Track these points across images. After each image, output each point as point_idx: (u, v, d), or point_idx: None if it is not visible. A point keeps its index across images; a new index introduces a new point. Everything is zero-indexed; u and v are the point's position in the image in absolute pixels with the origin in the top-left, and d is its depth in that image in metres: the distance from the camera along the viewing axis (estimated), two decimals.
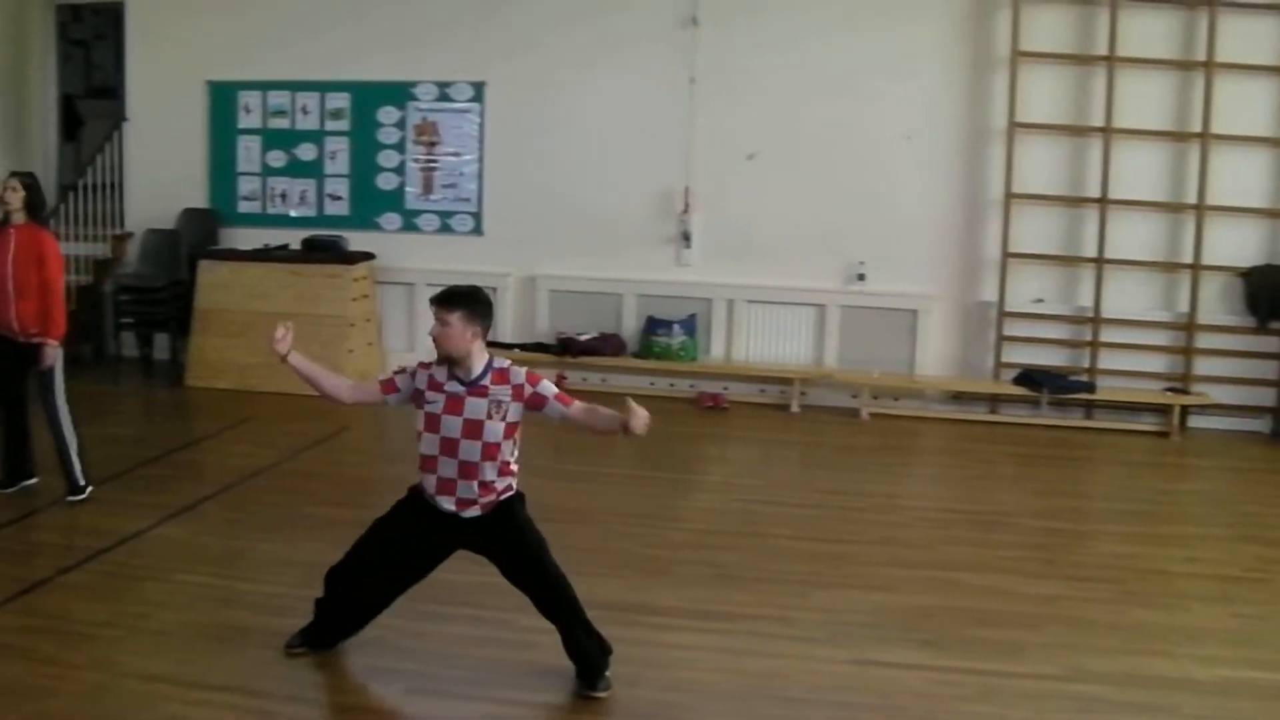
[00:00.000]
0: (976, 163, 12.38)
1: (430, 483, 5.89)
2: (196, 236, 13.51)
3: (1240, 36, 11.79)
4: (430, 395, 5.85)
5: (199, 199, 13.82)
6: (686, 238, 12.69)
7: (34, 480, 8.95)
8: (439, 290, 5.94)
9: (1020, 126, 12.09)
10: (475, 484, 5.84)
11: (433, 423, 5.82)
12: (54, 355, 8.57)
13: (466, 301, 5.83)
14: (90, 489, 8.76)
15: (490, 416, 5.82)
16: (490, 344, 12.54)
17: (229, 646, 6.29)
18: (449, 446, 5.80)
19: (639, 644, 6.38)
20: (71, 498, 8.66)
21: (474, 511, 5.91)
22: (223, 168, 13.78)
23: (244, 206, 13.76)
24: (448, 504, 5.88)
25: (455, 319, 5.76)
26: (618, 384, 12.62)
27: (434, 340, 5.83)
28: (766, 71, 12.54)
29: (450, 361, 5.85)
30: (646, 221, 12.81)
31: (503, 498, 5.96)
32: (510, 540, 6.00)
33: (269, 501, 8.94)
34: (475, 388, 5.84)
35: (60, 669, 5.93)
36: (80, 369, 13.23)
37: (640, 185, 12.74)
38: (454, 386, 5.84)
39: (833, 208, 12.46)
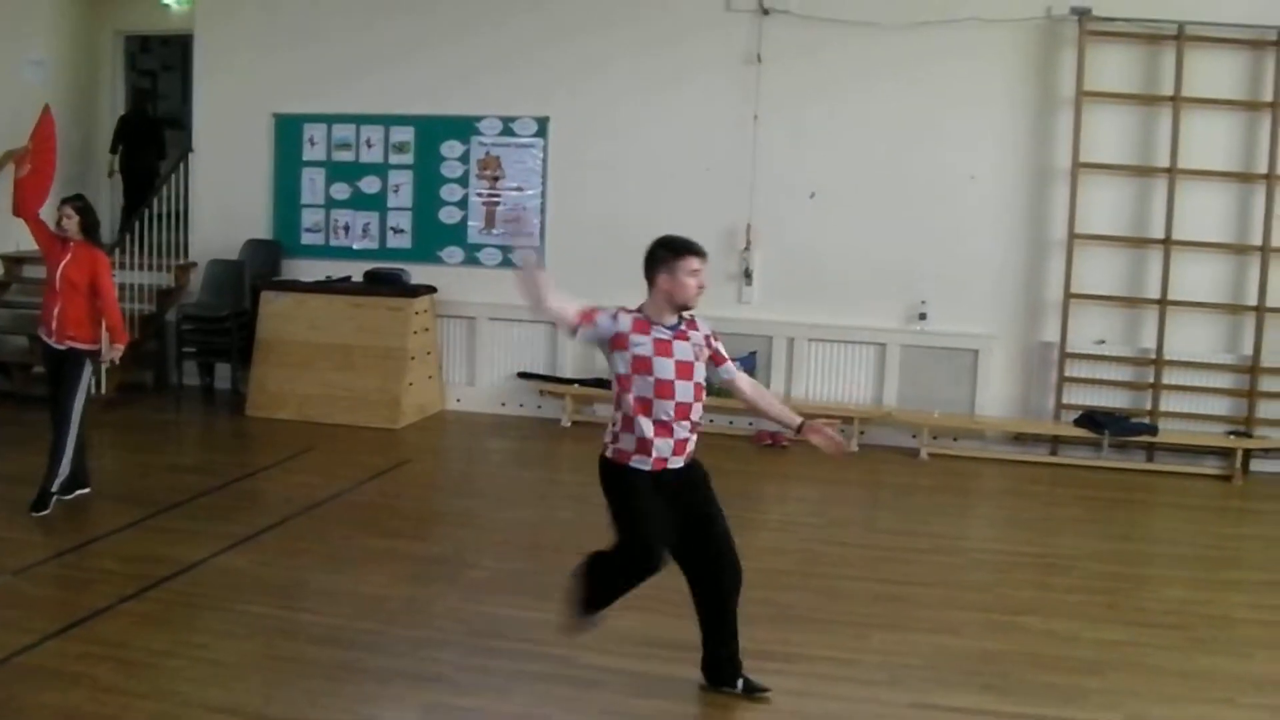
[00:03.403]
0: (1040, 203, 12.32)
1: (647, 428, 5.92)
2: (260, 267, 13.63)
3: None
4: (636, 338, 5.95)
5: (263, 230, 13.95)
6: (748, 275, 12.69)
7: (87, 490, 9.14)
8: (677, 240, 6.14)
9: (1084, 166, 12.02)
10: (687, 424, 5.99)
11: (643, 365, 5.92)
12: (117, 354, 9.30)
13: None
14: (54, 504, 8.98)
15: (697, 359, 6.04)
16: (549, 378, 12.69)
17: (289, 677, 6.33)
18: (664, 388, 5.91)
19: (701, 685, 6.39)
20: (36, 512, 8.87)
21: (679, 461, 6.02)
22: (287, 199, 13.90)
23: (307, 238, 13.86)
24: (664, 449, 5.95)
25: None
26: None
27: (695, 292, 6.00)
28: (829, 109, 12.55)
29: (681, 309, 6.06)
30: (709, 258, 12.70)
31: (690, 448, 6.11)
32: (703, 486, 6.20)
33: (330, 533, 8.97)
34: (678, 332, 6.05)
35: (121, 697, 5.97)
36: (142, 397, 13.43)
37: (702, 221, 12.56)
38: (661, 331, 6.00)
39: (894, 247, 12.42)
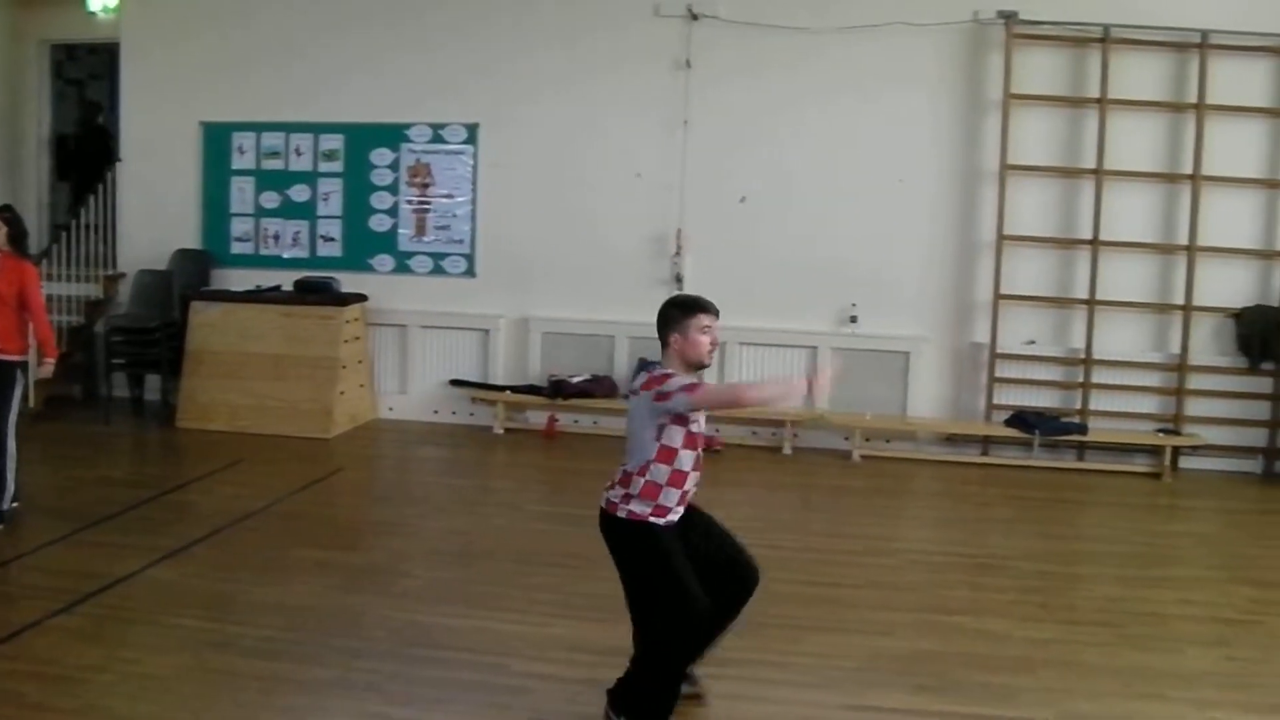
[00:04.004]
0: (969, 205, 12.42)
1: (675, 498, 5.86)
2: (189, 277, 13.50)
3: (1231, 78, 11.89)
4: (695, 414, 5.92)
5: (192, 240, 13.84)
6: (679, 280, 12.67)
7: (15, 504, 9.06)
8: (687, 298, 6.05)
9: (1012, 169, 12.13)
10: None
11: (692, 440, 5.89)
12: (48, 370, 9.22)
13: None
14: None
15: None
16: (482, 386, 12.67)
17: (220, 690, 6.26)
18: (697, 462, 5.93)
19: None
20: None
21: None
22: (216, 208, 13.79)
23: (237, 248, 13.76)
24: (679, 513, 5.91)
25: None
26: (609, 426, 12.61)
27: (708, 349, 5.92)
28: (759, 114, 12.59)
29: (697, 368, 5.94)
30: (639, 263, 12.82)
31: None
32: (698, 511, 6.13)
33: (261, 544, 8.88)
34: None
35: (50, 714, 5.90)
36: (71, 409, 13.28)
37: (633, 228, 12.76)
38: None
39: (825, 250, 12.48)
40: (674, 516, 5.86)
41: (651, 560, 5.82)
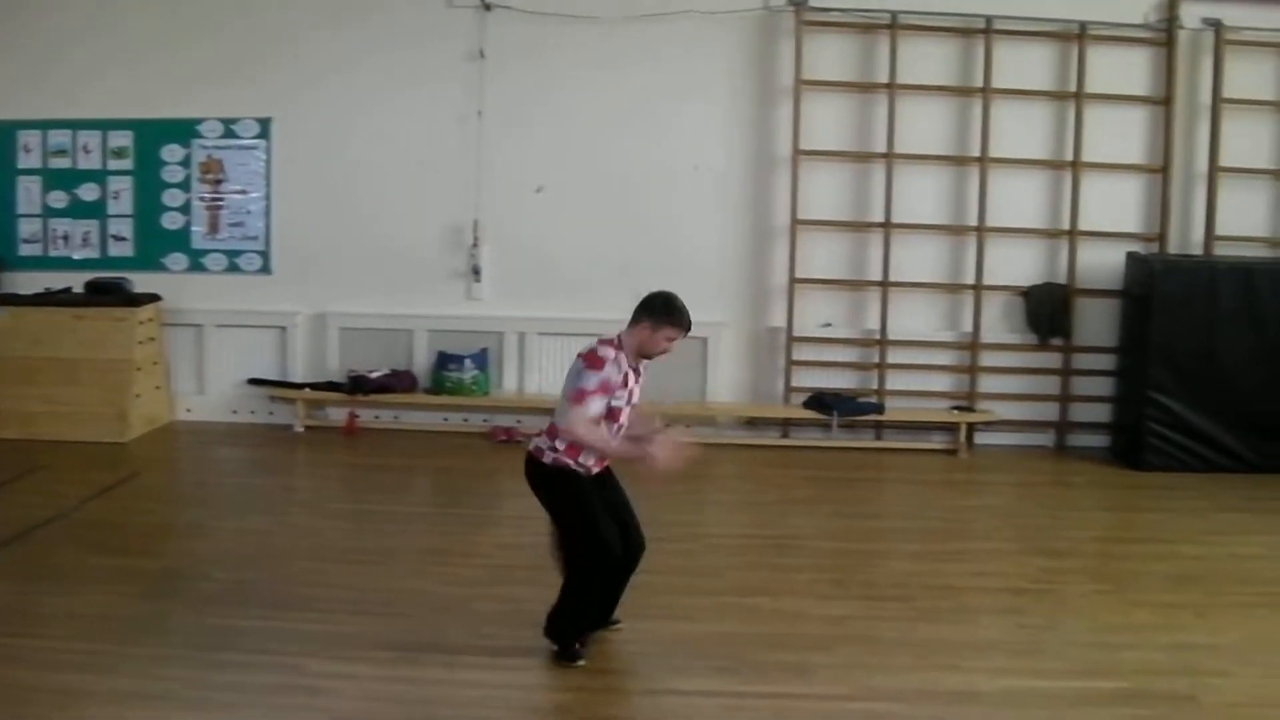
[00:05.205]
0: (763, 191, 12.56)
1: (593, 459, 6.69)
2: None
3: (1015, 63, 12.22)
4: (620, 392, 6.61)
5: None
6: (476, 272, 12.63)
7: None
8: (675, 305, 6.76)
9: (805, 154, 12.29)
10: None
11: (614, 414, 6.63)
12: None
13: None
14: None
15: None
16: (281, 384, 12.50)
17: (12, 706, 6.10)
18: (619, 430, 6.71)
19: (430, 684, 6.45)
20: None
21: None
22: (1, 210, 13.37)
23: (24, 249, 13.32)
24: (597, 471, 6.78)
25: None
26: (410, 421, 12.59)
27: (661, 355, 6.79)
28: (554, 104, 12.56)
29: (644, 359, 6.82)
30: (436, 256, 12.72)
31: None
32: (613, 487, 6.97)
33: (56, 553, 8.65)
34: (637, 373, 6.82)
35: None
36: None
37: (429, 220, 12.66)
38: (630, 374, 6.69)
39: (623, 238, 12.51)
40: (594, 468, 6.71)
41: (570, 501, 6.66)
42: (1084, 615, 7.79)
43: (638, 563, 6.89)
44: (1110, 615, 7.79)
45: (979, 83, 12.20)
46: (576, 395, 6.42)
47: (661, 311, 6.63)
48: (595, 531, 6.58)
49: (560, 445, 6.58)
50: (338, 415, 12.77)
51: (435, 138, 12.67)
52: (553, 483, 6.67)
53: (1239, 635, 7.47)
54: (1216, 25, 12.06)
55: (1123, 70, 12.27)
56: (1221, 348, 11.58)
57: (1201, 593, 8.23)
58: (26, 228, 13.35)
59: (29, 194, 13.31)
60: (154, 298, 12.85)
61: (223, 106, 13.01)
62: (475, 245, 12.66)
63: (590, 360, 6.47)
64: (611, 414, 6.54)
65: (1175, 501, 10.77)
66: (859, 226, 12.46)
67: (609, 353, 6.51)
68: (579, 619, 6.74)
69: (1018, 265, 12.43)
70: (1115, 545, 9.63)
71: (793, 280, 12.34)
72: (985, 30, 12.13)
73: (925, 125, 12.34)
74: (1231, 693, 6.58)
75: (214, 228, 13.10)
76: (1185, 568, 8.80)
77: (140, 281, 12.91)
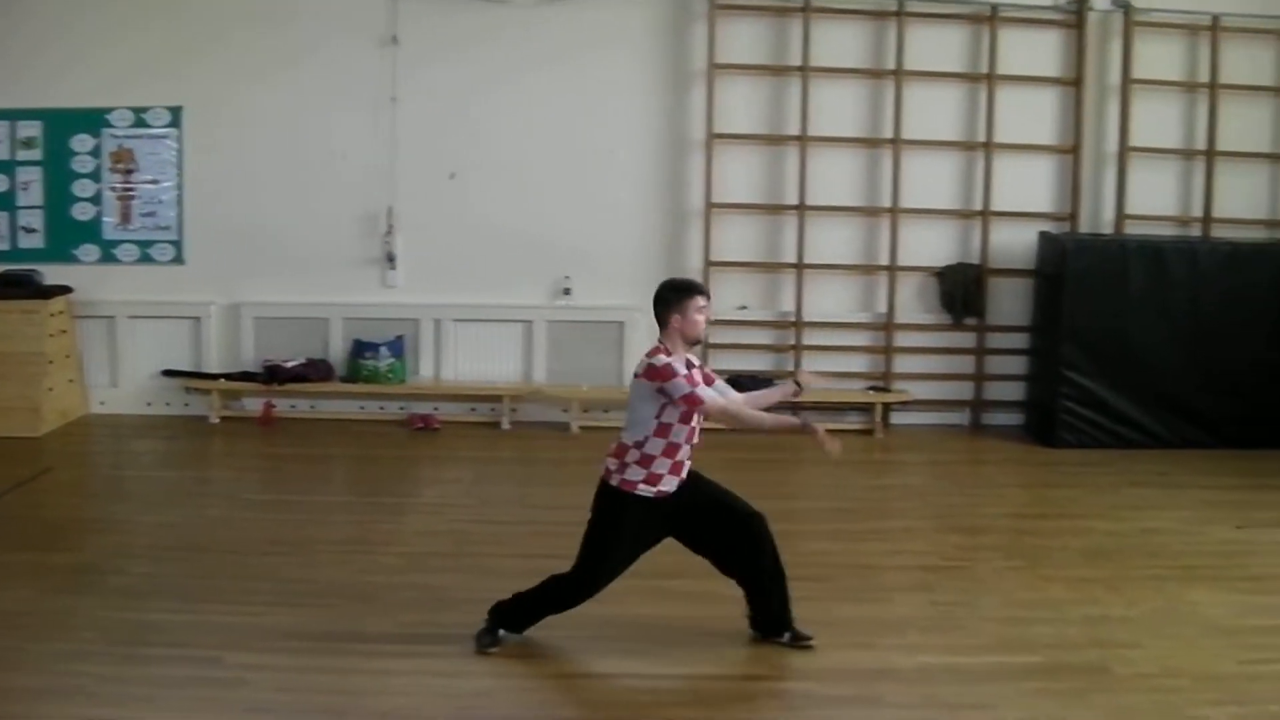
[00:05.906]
0: (677, 174, 12.58)
1: (668, 468, 6.62)
2: None
3: (928, 45, 12.35)
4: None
5: None
6: (391, 259, 12.58)
7: None
8: (681, 281, 7.00)
9: (719, 137, 12.34)
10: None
11: (688, 416, 6.60)
12: None
13: None
14: None
15: None
16: (195, 375, 12.37)
17: None
18: (692, 434, 6.67)
19: (349, 673, 6.42)
20: None
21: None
22: None
23: None
24: (674, 484, 6.66)
25: None
26: (327, 410, 12.55)
27: (703, 327, 6.72)
28: (468, 89, 12.52)
29: (693, 344, 6.75)
30: (350, 244, 12.64)
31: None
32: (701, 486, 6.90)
33: None
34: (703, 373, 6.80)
35: None
36: None
37: (343, 207, 12.57)
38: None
39: (537, 224, 12.48)
40: (666, 487, 6.60)
41: (604, 524, 6.65)
42: (998, 591, 7.91)
43: (771, 536, 6.88)
44: (1024, 591, 7.92)
45: (891, 65, 12.30)
46: (686, 399, 6.43)
47: (674, 294, 6.70)
48: (598, 564, 6.63)
49: (630, 460, 6.57)
50: (254, 405, 12.65)
51: (349, 125, 12.57)
52: (602, 499, 6.69)
53: (1150, 608, 7.60)
54: (1126, 7, 12.23)
55: (1034, 52, 12.42)
56: (1132, 325, 11.74)
57: (1114, 567, 8.38)
58: None
59: None
60: (65, 289, 12.67)
61: (133, 95, 12.83)
62: (390, 232, 12.59)
63: (658, 372, 6.48)
64: (684, 414, 6.52)
65: (1088, 477, 10.92)
66: (773, 209, 12.52)
67: (663, 358, 6.53)
68: (531, 614, 6.77)
69: (932, 246, 12.56)
70: (1029, 521, 9.70)
71: (708, 263, 12.38)
72: (898, 13, 12.22)
73: (838, 108, 12.41)
74: (1143, 663, 6.70)
75: (126, 218, 12.95)
76: (1098, 542, 8.96)
77: (51, 273, 12.72)
